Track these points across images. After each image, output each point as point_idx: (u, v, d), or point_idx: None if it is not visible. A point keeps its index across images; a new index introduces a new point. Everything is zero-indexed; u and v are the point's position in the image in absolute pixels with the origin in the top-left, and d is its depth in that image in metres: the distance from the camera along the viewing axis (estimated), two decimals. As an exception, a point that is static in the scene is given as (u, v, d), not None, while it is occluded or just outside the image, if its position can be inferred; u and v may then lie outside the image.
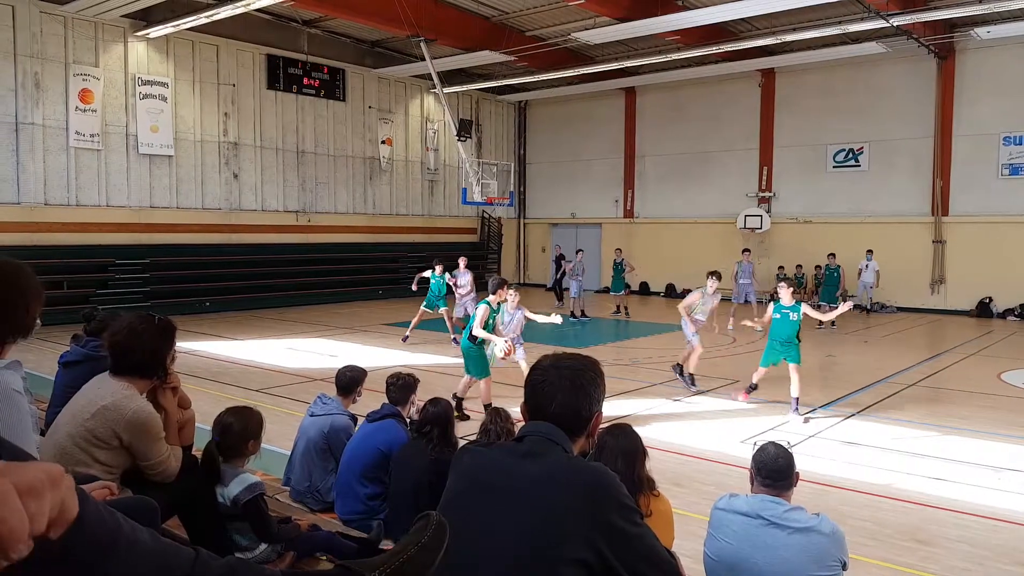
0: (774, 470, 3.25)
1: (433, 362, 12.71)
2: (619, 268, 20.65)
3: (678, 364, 10.93)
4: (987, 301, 20.76)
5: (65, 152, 17.71)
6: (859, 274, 20.97)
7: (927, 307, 21.48)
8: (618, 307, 20.55)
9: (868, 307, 21.03)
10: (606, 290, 23.23)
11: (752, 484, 3.33)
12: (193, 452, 3.35)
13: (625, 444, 3.34)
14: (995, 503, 6.23)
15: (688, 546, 4.02)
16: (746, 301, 18.63)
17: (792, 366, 9.28)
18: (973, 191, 20.84)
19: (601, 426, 3.04)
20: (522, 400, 2.06)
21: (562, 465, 1.87)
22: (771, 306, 9.58)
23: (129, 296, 17.97)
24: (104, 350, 4.76)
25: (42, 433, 3.51)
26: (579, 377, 2.00)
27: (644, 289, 26.78)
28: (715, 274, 11.02)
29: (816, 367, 11.61)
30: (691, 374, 10.73)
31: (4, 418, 1.97)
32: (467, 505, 1.91)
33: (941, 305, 21.45)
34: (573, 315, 18.86)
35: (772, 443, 3.40)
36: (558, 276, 22.19)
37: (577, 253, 20.35)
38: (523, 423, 2.04)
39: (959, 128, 20.99)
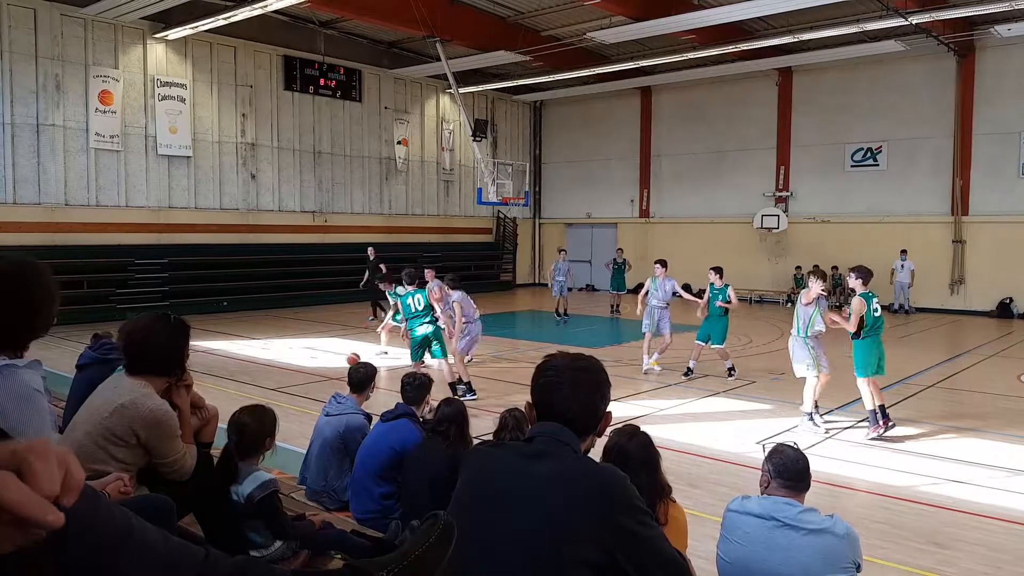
0: (796, 471, 3.25)
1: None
2: (620, 268, 20.74)
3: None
4: (1007, 302, 20.53)
5: (85, 153, 17.93)
6: (892, 275, 20.91)
7: (946, 308, 21.27)
8: (613, 306, 20.68)
9: (907, 308, 20.86)
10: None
11: (765, 486, 3.31)
12: (211, 451, 3.39)
13: (646, 452, 3.35)
14: (1014, 506, 6.17)
15: (702, 548, 4.01)
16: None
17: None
18: (993, 190, 20.62)
19: (612, 426, 3.04)
20: (527, 399, 2.07)
21: (572, 466, 1.88)
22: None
23: (148, 295, 18.17)
24: (115, 352, 4.84)
25: (59, 431, 3.56)
26: (593, 378, 2.01)
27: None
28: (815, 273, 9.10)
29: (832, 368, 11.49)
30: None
31: (25, 417, 2.00)
32: (476, 505, 1.92)
33: (961, 306, 21.24)
34: (557, 314, 18.96)
35: (789, 446, 3.39)
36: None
37: (560, 253, 20.44)
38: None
39: (979, 127, 20.77)
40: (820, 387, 8.80)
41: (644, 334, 12.25)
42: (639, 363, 12.81)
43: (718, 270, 11.66)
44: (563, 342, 14.79)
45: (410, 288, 10.37)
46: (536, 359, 2.13)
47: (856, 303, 8.31)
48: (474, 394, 9.88)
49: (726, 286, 11.51)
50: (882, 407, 8.27)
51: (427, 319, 10.11)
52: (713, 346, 11.55)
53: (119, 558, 0.84)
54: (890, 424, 8.22)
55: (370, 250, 17.83)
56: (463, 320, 10.50)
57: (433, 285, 11.11)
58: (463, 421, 4.58)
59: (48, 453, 0.74)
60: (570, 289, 19.27)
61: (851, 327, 8.29)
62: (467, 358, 10.88)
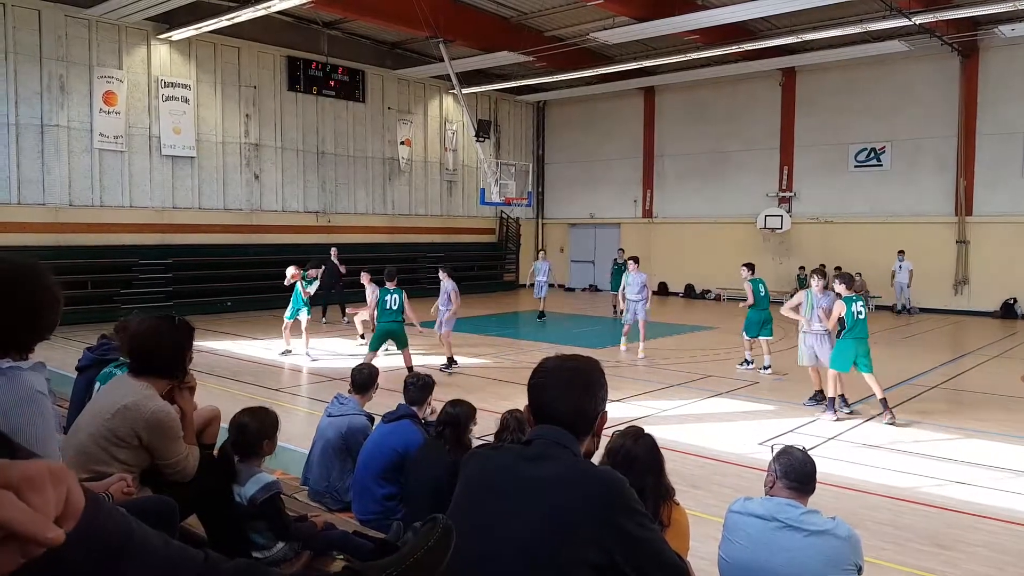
0: (803, 474, 3.25)
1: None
2: (620, 268, 20.58)
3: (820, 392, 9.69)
4: (1011, 302, 20.49)
5: (89, 154, 17.96)
6: (892, 276, 20.93)
7: (950, 308, 21.23)
8: (616, 307, 20.63)
9: (907, 308, 20.91)
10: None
11: (770, 487, 3.31)
12: (215, 448, 3.40)
13: (651, 455, 3.34)
14: (1017, 507, 6.16)
15: (704, 549, 4.00)
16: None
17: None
18: (997, 191, 20.58)
19: (617, 428, 3.03)
20: (526, 402, 2.07)
21: (571, 469, 1.88)
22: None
23: (152, 296, 18.21)
24: (113, 352, 4.86)
25: (64, 432, 3.58)
26: (585, 378, 2.01)
27: (663, 290, 26.66)
28: (818, 272, 10.05)
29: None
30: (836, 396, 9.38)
31: (28, 419, 2.01)
32: (476, 508, 1.92)
33: (964, 306, 21.19)
34: (541, 315, 19.03)
35: (799, 448, 3.40)
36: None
37: (540, 253, 20.39)
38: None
39: (983, 127, 20.73)
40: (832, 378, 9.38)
41: (624, 325, 14.11)
42: (641, 363, 12.87)
43: (747, 266, 12.59)
44: (565, 343, 14.81)
45: (390, 286, 11.10)
46: (538, 360, 2.13)
47: (836, 305, 9.16)
48: (456, 364, 11.98)
49: (750, 281, 12.22)
50: (842, 396, 9.23)
51: (397, 319, 10.97)
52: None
53: (120, 563, 0.85)
54: (847, 411, 9.23)
55: (333, 251, 17.95)
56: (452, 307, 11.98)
57: (449, 286, 12.21)
58: (459, 425, 4.50)
59: (43, 480, 0.74)
60: (551, 285, 19.36)
61: (830, 325, 9.28)
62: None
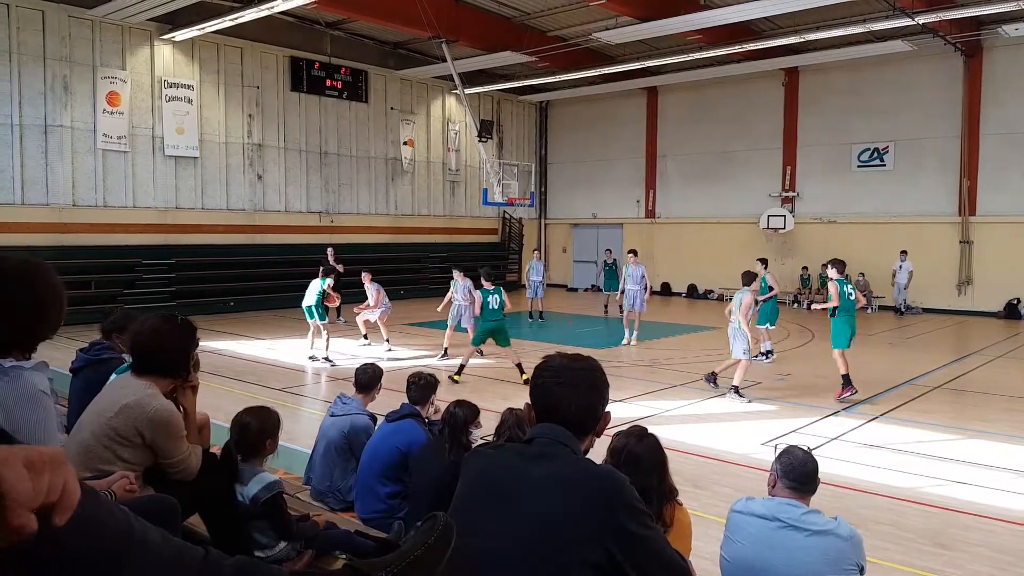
0: (803, 474, 3.24)
1: (453, 364, 12.72)
2: (611, 269, 20.41)
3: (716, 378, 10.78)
4: (1015, 302, 20.44)
5: (93, 154, 17.99)
6: (893, 276, 20.91)
7: (954, 308, 21.19)
8: (606, 306, 20.59)
9: (902, 309, 20.92)
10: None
11: (772, 487, 3.31)
12: (211, 450, 3.40)
13: (656, 455, 3.34)
14: (1019, 507, 6.15)
15: (705, 549, 4.01)
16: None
17: None
18: (1001, 191, 20.53)
19: (619, 428, 3.04)
20: (527, 400, 2.07)
21: (572, 468, 1.89)
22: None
23: (155, 296, 18.23)
24: (107, 352, 4.87)
25: (66, 431, 3.59)
26: (590, 377, 2.01)
27: (665, 290, 26.65)
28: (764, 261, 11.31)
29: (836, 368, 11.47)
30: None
31: (31, 418, 2.02)
32: (477, 507, 1.92)
33: (968, 306, 21.15)
34: (531, 316, 19.02)
35: (800, 447, 3.39)
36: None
37: (533, 252, 20.40)
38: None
39: (987, 127, 20.69)
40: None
41: (623, 313, 15.24)
42: (643, 363, 12.87)
43: (761, 261, 13.47)
44: (567, 343, 14.79)
45: (488, 286, 11.48)
46: (539, 360, 2.12)
47: (831, 287, 10.31)
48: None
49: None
50: (847, 376, 9.95)
51: (499, 317, 11.30)
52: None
53: (120, 560, 0.85)
54: (854, 391, 9.91)
55: (329, 251, 17.95)
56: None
57: (467, 285, 13.11)
58: (455, 426, 4.49)
59: (42, 463, 0.74)
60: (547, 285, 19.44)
61: (835, 302, 10.18)
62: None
